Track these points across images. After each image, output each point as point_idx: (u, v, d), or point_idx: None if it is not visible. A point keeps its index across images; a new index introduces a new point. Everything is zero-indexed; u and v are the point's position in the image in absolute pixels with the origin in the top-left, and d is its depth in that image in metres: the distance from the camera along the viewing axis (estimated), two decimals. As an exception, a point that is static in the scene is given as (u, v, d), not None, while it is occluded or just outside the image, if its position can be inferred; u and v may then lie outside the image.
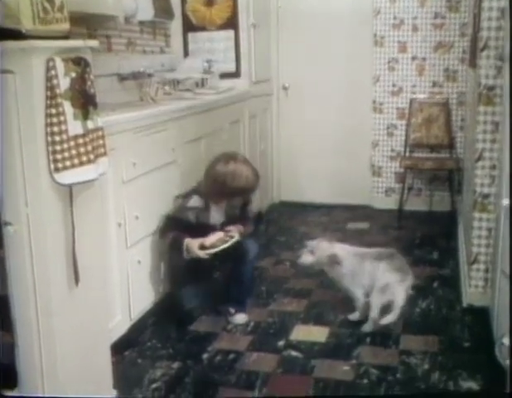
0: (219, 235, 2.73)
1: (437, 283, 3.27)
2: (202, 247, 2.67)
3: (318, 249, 2.70)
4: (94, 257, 2.10)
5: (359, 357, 2.52)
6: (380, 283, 2.61)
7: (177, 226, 2.71)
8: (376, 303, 2.61)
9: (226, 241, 2.70)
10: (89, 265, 2.03)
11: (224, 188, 2.72)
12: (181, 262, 2.70)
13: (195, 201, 2.77)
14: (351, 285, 2.70)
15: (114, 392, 2.25)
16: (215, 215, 2.81)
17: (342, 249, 2.72)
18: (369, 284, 2.66)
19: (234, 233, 2.75)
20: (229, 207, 2.85)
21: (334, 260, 2.67)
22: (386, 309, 2.61)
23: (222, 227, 2.81)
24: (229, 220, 2.83)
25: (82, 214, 1.98)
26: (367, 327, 2.67)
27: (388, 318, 2.57)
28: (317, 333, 2.70)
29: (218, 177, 2.71)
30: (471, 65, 3.44)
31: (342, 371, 2.43)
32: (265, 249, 3.95)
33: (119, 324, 2.53)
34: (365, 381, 2.35)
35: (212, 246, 2.68)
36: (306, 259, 2.72)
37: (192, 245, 2.67)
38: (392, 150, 4.71)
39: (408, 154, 4.56)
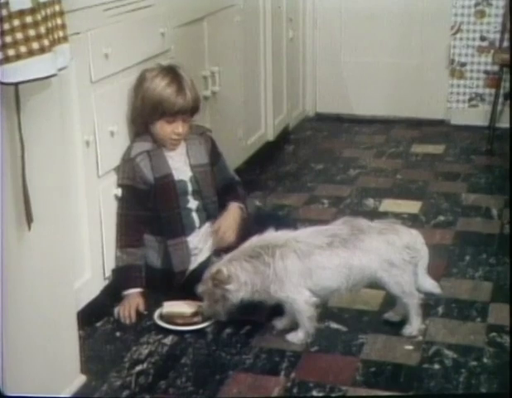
0: (182, 306, 2.63)
1: (544, 233, 3.27)
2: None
3: (203, 280, 2.53)
4: (53, 189, 2.09)
5: (427, 333, 2.54)
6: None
7: (134, 202, 2.69)
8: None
9: (193, 323, 2.59)
10: (45, 201, 2.03)
11: (159, 104, 2.70)
12: None
13: (139, 146, 2.73)
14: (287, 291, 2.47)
15: (82, 378, 2.29)
16: (177, 163, 2.78)
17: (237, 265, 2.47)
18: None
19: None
20: (194, 153, 2.83)
21: (220, 279, 2.45)
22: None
23: (194, 193, 2.79)
24: (197, 167, 2.82)
25: (34, 127, 1.96)
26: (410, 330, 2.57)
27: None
28: (368, 298, 2.72)
29: (152, 91, 2.70)
30: None
31: (403, 351, 2.45)
32: (293, 182, 3.95)
33: (89, 284, 2.56)
34: (437, 366, 2.37)
35: (170, 318, 2.60)
36: (205, 302, 2.55)
37: (129, 305, 2.64)
38: (482, 38, 4.62)
39: (506, 44, 4.44)
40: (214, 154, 2.93)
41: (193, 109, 2.79)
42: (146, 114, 2.73)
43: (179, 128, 2.75)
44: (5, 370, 1.95)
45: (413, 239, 2.54)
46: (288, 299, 2.48)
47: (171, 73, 2.75)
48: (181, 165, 2.81)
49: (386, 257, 2.47)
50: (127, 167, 2.71)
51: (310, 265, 2.46)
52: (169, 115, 2.72)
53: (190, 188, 2.81)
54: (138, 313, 2.66)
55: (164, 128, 2.74)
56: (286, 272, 2.45)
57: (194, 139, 2.85)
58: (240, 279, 2.45)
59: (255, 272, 2.45)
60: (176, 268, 2.75)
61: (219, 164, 2.94)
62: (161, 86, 2.71)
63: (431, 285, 2.56)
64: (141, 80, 2.74)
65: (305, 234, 2.54)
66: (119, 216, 2.71)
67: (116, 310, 2.67)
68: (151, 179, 2.72)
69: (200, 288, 2.53)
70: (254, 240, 2.53)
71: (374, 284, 2.57)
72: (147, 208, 2.74)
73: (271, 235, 2.53)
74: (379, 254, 2.47)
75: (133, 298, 2.67)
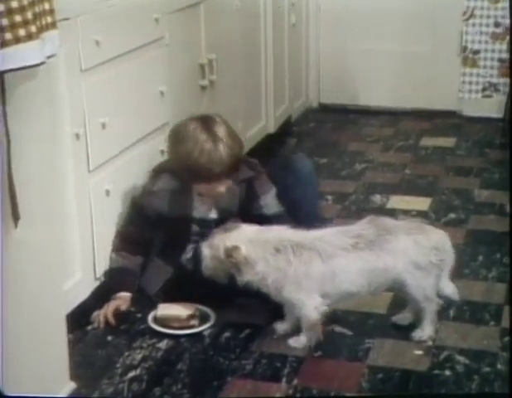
0: (178, 308, 2.63)
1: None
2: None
3: (213, 244, 2.50)
4: (41, 185, 2.09)
5: (438, 338, 2.54)
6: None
7: (140, 223, 2.72)
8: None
9: (189, 326, 2.60)
10: (33, 197, 2.03)
11: (192, 168, 2.61)
12: None
13: (165, 182, 2.72)
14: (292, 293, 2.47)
15: (72, 385, 2.29)
16: (201, 205, 2.75)
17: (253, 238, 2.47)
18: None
19: (211, 314, 2.66)
20: (223, 200, 2.74)
21: (235, 258, 2.43)
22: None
23: (216, 224, 2.70)
24: (224, 212, 2.76)
25: (21, 119, 1.96)
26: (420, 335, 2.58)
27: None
28: (375, 300, 2.71)
29: (183, 153, 2.63)
30: None
31: (412, 356, 2.46)
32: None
33: (79, 285, 2.57)
34: (448, 372, 2.38)
35: (165, 321, 2.61)
36: (205, 262, 2.52)
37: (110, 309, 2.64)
38: (496, 24, 4.62)
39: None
40: (251, 198, 2.78)
41: (235, 166, 2.68)
42: (182, 173, 2.67)
43: (220, 188, 2.66)
44: (5, 370, 1.96)
45: (442, 240, 2.53)
46: (299, 302, 2.48)
47: (210, 132, 2.62)
48: (206, 208, 2.76)
49: (413, 258, 2.46)
50: (145, 196, 2.72)
51: (333, 268, 2.45)
52: (208, 178, 2.63)
53: (213, 225, 2.72)
54: (119, 315, 2.65)
55: (203, 189, 2.68)
56: (306, 277, 2.45)
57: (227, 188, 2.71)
58: (255, 268, 2.44)
59: (274, 267, 2.44)
60: (146, 288, 2.78)
61: (259, 203, 2.79)
62: (198, 152, 2.59)
63: (451, 290, 2.56)
64: (178, 138, 2.67)
65: (329, 234, 2.52)
66: (120, 225, 2.75)
67: (95, 314, 2.67)
68: (164, 213, 2.72)
69: (207, 250, 2.50)
70: (283, 234, 2.50)
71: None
72: (152, 229, 2.77)
73: (300, 234, 2.50)
74: (405, 255, 2.46)
75: (113, 302, 2.66)
